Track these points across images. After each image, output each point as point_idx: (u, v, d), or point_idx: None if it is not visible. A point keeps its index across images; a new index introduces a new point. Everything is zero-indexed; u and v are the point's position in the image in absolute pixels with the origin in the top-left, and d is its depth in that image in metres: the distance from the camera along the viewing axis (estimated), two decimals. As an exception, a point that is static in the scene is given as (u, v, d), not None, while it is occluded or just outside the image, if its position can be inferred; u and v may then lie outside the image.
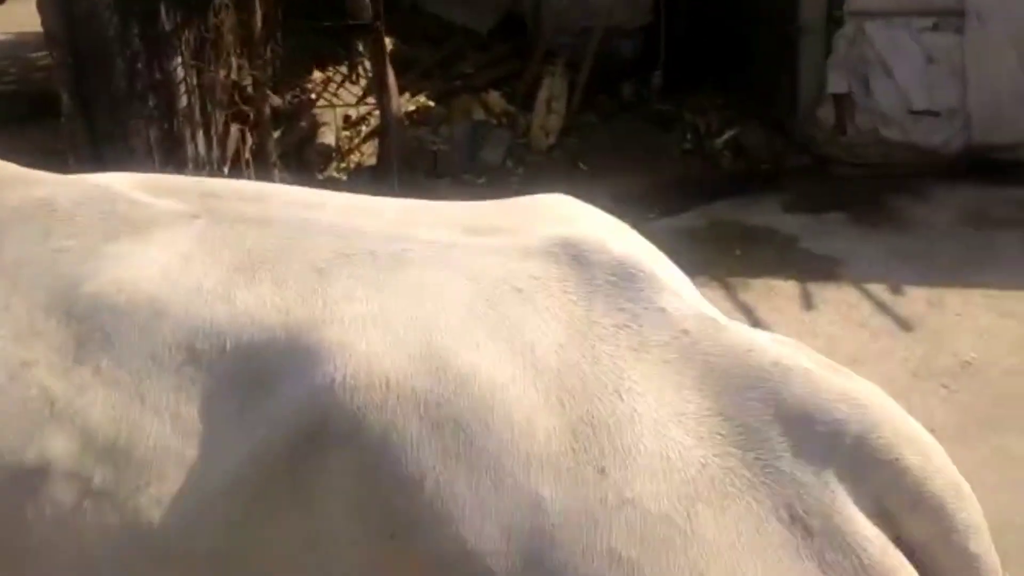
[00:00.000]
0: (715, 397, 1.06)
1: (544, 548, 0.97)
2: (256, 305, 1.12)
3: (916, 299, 4.73)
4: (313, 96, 6.47)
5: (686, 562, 0.97)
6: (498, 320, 1.09)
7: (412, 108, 6.78)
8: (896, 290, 4.80)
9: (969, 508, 1.09)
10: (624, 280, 1.13)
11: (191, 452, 1.05)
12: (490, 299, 1.11)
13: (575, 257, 1.16)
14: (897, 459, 1.04)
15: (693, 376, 1.07)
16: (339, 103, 6.54)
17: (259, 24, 5.54)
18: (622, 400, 1.04)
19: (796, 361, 1.10)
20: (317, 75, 6.70)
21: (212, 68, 5.31)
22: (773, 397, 1.05)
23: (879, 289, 4.80)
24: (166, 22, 4.94)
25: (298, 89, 6.40)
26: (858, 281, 4.87)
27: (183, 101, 5.09)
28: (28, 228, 1.26)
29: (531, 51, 7.60)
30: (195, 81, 5.16)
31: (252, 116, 5.54)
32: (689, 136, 6.74)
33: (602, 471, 1.00)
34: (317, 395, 1.03)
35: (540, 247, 1.18)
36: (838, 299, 4.62)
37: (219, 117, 5.43)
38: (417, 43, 7.57)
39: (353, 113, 6.62)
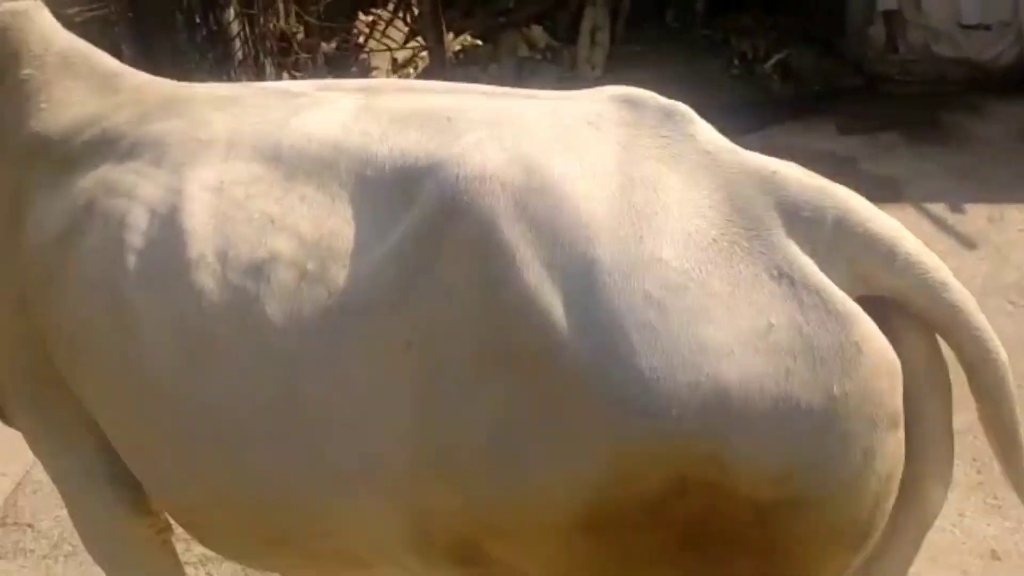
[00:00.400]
0: (727, 195, 1.42)
1: (596, 291, 1.34)
2: (405, 143, 1.54)
3: (977, 216, 4.73)
4: (361, 40, 6.48)
5: (696, 302, 1.33)
6: (573, 141, 1.50)
7: (458, 48, 6.78)
8: (956, 208, 4.81)
9: (936, 266, 1.43)
10: (666, 117, 1.52)
11: (367, 239, 1.48)
12: (567, 127, 1.53)
13: (630, 102, 1.56)
14: (865, 231, 1.41)
15: (711, 181, 1.43)
16: (386, 46, 6.54)
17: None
18: (658, 195, 1.41)
19: (792, 171, 1.47)
20: (362, 18, 6.69)
21: (263, 17, 5.36)
22: (772, 195, 1.41)
23: (940, 208, 4.81)
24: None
25: (345, 33, 6.41)
26: (918, 201, 4.88)
27: (238, 51, 5.17)
28: (223, 113, 1.71)
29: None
30: (248, 31, 5.22)
31: (304, 63, 5.58)
32: (736, 61, 6.66)
33: (640, 239, 1.37)
34: (444, 186, 1.44)
35: (604, 97, 1.60)
36: (900, 219, 4.60)
37: (272, 66, 5.50)
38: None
39: (399, 56, 6.63)
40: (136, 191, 1.61)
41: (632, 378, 1.30)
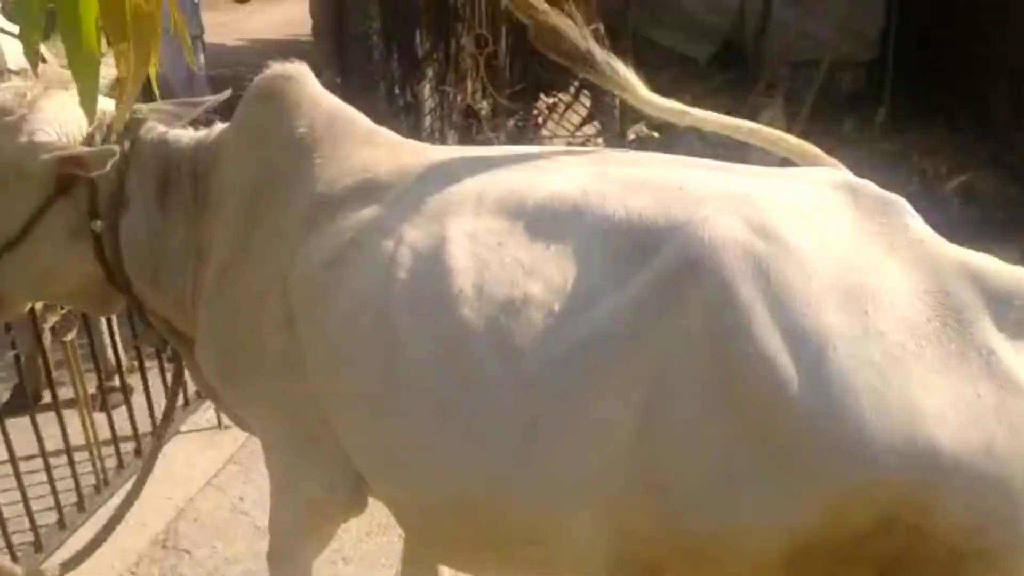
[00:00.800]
0: (938, 282, 1.57)
1: (827, 354, 1.51)
2: (643, 207, 1.72)
3: None
4: (540, 120, 6.69)
5: (914, 371, 1.51)
6: (803, 218, 1.67)
7: (631, 137, 6.90)
8: None
9: None
10: (885, 206, 1.70)
11: (606, 287, 1.67)
12: (797, 205, 1.70)
13: (850, 188, 1.75)
14: None
15: (925, 268, 1.59)
16: (564, 128, 6.73)
17: (499, 51, 5.80)
18: (880, 276, 1.59)
19: (991, 263, 1.61)
20: (544, 99, 6.92)
21: (453, 93, 5.62)
22: (977, 283, 1.57)
23: None
24: (419, 48, 5.26)
25: (526, 113, 6.64)
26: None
27: (427, 122, 5.42)
28: (473, 171, 1.94)
29: (750, 82, 7.58)
30: (440, 105, 5.48)
31: (487, 139, 5.80)
32: (915, 178, 6.52)
33: (866, 313, 1.54)
34: (689, 244, 1.63)
35: (823, 180, 1.80)
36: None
37: (455, 139, 5.74)
38: (634, 70, 7.67)
39: (576, 138, 6.80)
40: (401, 233, 1.85)
41: (857, 433, 1.49)
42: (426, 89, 5.27)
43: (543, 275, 1.72)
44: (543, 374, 1.67)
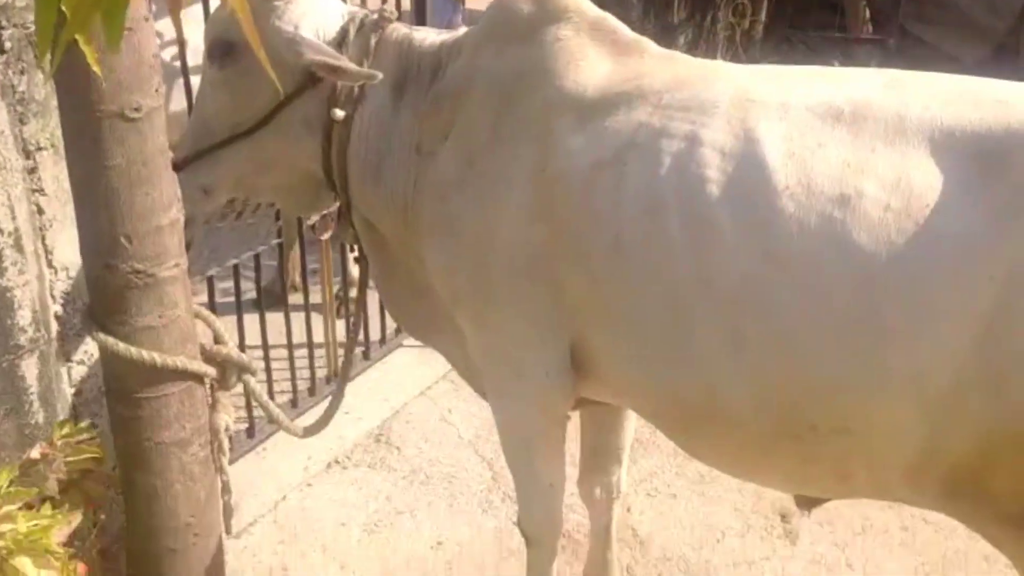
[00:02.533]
0: None
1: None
2: (971, 116, 1.74)
3: None
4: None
5: None
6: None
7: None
8: None
9: None
10: None
11: (948, 188, 1.71)
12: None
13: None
14: None
15: None
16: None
17: (755, 26, 5.76)
18: None
19: None
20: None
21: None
22: None
23: None
24: (675, 14, 5.33)
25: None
26: None
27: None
28: (763, 82, 1.96)
29: (1022, 87, 7.08)
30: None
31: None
32: None
33: None
34: None
35: None
36: None
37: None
38: (896, 64, 7.34)
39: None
40: (697, 134, 1.89)
41: None
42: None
43: (875, 174, 1.75)
44: (885, 268, 1.72)
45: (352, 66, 2.18)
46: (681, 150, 1.90)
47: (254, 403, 3.23)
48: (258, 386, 2.21)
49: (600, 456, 2.75)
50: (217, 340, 2.13)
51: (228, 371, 2.12)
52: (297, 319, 3.90)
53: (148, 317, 1.93)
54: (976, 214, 1.69)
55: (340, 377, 2.68)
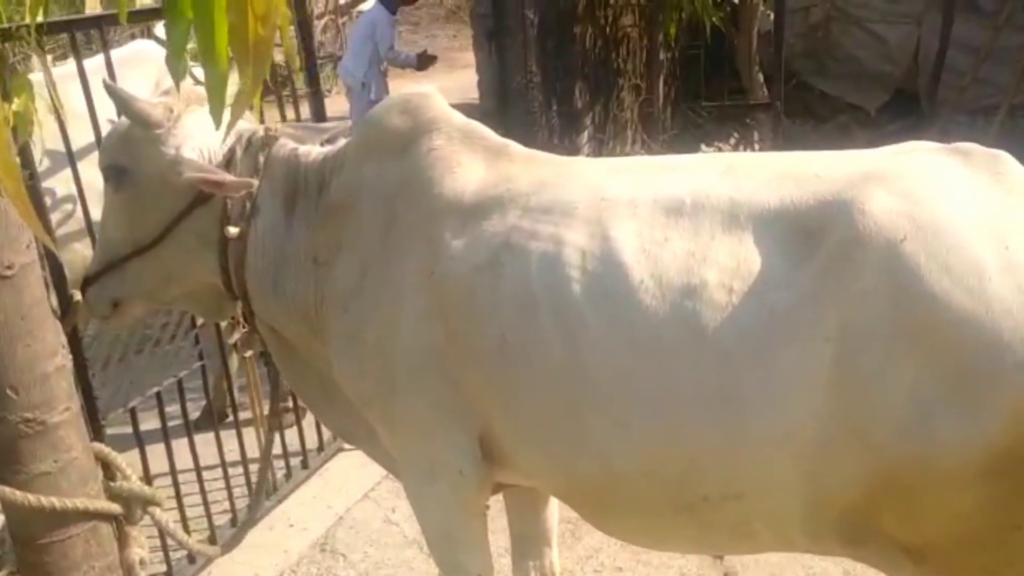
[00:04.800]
0: None
1: (986, 285, 1.70)
2: (794, 194, 1.90)
3: None
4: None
5: None
6: (934, 179, 1.87)
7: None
8: None
9: None
10: (992, 159, 1.90)
11: (780, 264, 1.85)
12: (923, 171, 1.90)
13: (959, 151, 1.92)
14: None
15: None
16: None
17: (653, 105, 5.98)
18: (1007, 216, 1.78)
19: None
20: (702, 151, 7.03)
21: (612, 142, 5.84)
22: None
23: None
24: (578, 100, 5.53)
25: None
26: None
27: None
28: (615, 179, 2.11)
29: (923, 129, 7.39)
30: (595, 151, 5.71)
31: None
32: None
33: (1007, 247, 1.73)
34: (855, 218, 1.81)
35: (935, 148, 1.98)
36: None
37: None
38: (802, 119, 7.67)
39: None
40: (561, 236, 2.03)
41: (1022, 343, 1.67)
42: (584, 137, 5.52)
43: (716, 262, 1.90)
44: (735, 346, 1.86)
45: (229, 177, 2.31)
46: (548, 251, 2.03)
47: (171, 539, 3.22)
48: (165, 516, 2.23)
49: (529, 541, 2.80)
50: (120, 475, 2.16)
51: (133, 505, 2.14)
52: (229, 438, 3.91)
53: (43, 463, 1.96)
54: (803, 284, 1.83)
55: (256, 490, 2.71)
